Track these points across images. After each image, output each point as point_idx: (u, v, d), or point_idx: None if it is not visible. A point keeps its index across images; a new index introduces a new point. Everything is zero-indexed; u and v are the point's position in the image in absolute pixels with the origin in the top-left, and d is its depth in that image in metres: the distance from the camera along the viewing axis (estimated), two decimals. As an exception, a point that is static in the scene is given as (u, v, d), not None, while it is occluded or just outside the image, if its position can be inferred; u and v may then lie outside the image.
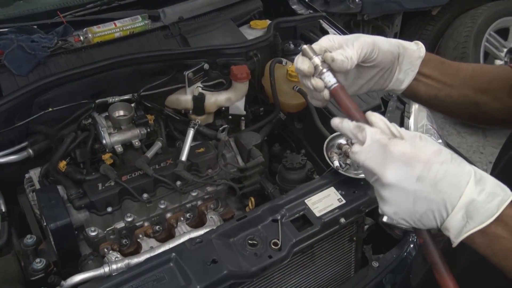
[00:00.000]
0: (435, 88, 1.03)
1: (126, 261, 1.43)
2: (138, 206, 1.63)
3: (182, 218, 1.70)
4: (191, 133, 1.68)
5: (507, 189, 0.73)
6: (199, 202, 1.75)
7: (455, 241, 0.74)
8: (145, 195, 1.60)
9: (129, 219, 1.61)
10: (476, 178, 0.73)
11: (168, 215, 1.70)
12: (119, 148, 1.74)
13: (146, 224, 1.66)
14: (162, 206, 1.65)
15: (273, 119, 2.00)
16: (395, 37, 3.26)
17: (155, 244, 1.62)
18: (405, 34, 3.26)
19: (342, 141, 1.67)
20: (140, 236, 1.63)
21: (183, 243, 1.41)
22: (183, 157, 1.64)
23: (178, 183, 1.65)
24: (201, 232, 1.52)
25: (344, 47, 0.89)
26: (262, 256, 1.42)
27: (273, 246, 1.45)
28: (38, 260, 1.51)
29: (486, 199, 0.71)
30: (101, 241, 1.59)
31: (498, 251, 0.71)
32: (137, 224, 1.65)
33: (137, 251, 1.66)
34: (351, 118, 0.83)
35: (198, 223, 1.78)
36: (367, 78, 0.97)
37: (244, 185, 1.74)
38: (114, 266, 1.41)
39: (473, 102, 1.04)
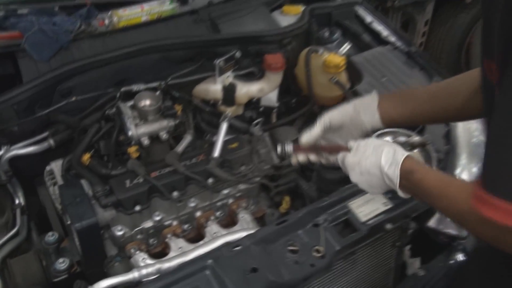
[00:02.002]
0: (405, 113, 1.23)
1: (157, 266, 1.32)
2: (167, 205, 1.52)
3: (212, 217, 1.59)
4: (224, 127, 1.56)
5: (400, 154, 1.07)
6: (230, 201, 1.64)
7: (398, 190, 1.06)
8: (175, 193, 1.49)
9: (158, 218, 1.50)
10: (387, 156, 1.06)
11: (198, 213, 1.59)
12: (145, 141, 1.62)
13: (174, 223, 1.55)
14: (192, 205, 1.54)
15: (307, 112, 1.87)
16: (425, 25, 3.10)
17: (184, 244, 1.51)
18: (435, 22, 3.10)
19: (389, 138, 1.54)
20: (169, 236, 1.53)
21: (220, 248, 1.30)
22: (216, 153, 1.53)
23: (210, 180, 1.54)
24: (235, 235, 1.40)
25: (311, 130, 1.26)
26: (303, 264, 1.30)
27: (315, 254, 1.34)
28: (61, 260, 1.41)
29: (391, 162, 1.05)
30: (128, 241, 1.49)
31: (417, 187, 1.02)
32: (165, 223, 1.54)
33: (164, 251, 1.56)
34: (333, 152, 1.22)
35: (228, 222, 1.67)
36: (346, 132, 1.27)
37: (278, 183, 1.63)
38: (144, 271, 1.30)
39: (443, 112, 1.22)
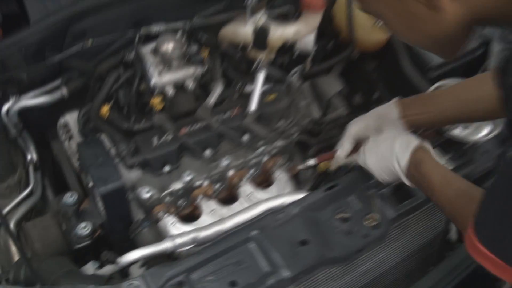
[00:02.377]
0: (430, 118, 1.18)
1: (193, 235, 1.19)
2: (198, 164, 1.36)
3: (246, 177, 1.44)
4: (261, 77, 1.38)
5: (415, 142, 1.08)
6: (265, 158, 1.48)
7: (404, 178, 1.08)
8: (207, 152, 1.33)
9: (188, 179, 1.35)
10: (402, 142, 1.07)
11: (230, 172, 1.44)
12: (170, 90, 1.44)
13: (205, 183, 1.40)
14: (224, 163, 1.39)
15: (345, 59, 1.68)
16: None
17: (216, 206, 1.37)
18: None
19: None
20: (199, 197, 1.38)
21: (263, 217, 1.16)
22: (253, 106, 1.35)
23: (245, 137, 1.37)
24: (277, 201, 1.26)
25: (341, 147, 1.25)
26: (356, 235, 1.17)
27: (368, 222, 1.20)
28: (83, 224, 1.27)
29: (403, 151, 1.06)
30: (155, 204, 1.34)
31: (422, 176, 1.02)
32: (196, 183, 1.39)
33: (194, 213, 1.42)
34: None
35: (261, 180, 1.52)
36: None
37: (319, 140, 1.47)
38: (178, 241, 1.17)
39: (473, 115, 1.17)
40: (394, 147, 1.08)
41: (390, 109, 1.20)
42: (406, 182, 1.08)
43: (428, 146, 1.09)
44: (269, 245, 1.10)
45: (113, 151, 1.29)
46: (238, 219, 1.22)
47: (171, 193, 1.33)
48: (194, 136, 1.31)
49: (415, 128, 1.21)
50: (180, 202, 1.39)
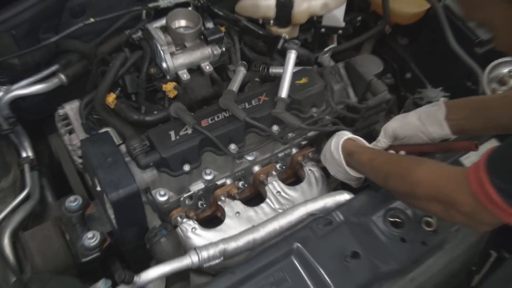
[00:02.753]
0: (477, 125, 1.07)
1: (221, 246, 1.01)
2: (221, 161, 1.18)
3: (274, 173, 1.26)
4: (292, 58, 1.19)
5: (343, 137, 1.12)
6: (294, 150, 1.31)
7: (347, 170, 1.09)
8: (232, 147, 1.15)
9: (209, 177, 1.17)
10: (335, 142, 1.12)
11: (256, 168, 1.26)
12: (184, 75, 1.25)
13: (228, 181, 1.23)
14: (250, 158, 1.21)
15: (377, 34, 1.49)
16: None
17: (241, 208, 1.20)
18: None
19: (506, 70, 1.19)
20: (222, 198, 1.21)
21: (307, 227, 0.98)
22: (283, 93, 1.17)
23: (275, 128, 1.19)
24: (316, 204, 1.08)
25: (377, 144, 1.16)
26: (413, 243, 1.01)
27: (425, 227, 1.03)
28: (90, 234, 1.10)
29: (335, 146, 1.11)
30: (173, 207, 1.17)
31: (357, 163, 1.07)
32: (218, 182, 1.21)
33: (215, 214, 1.25)
34: None
35: (289, 175, 1.35)
36: (412, 142, 1.13)
37: (356, 128, 1.29)
38: (205, 254, 0.99)
39: None
40: (331, 149, 1.11)
41: (437, 109, 1.09)
42: (352, 173, 1.08)
43: (356, 137, 1.11)
44: (314, 261, 0.93)
45: (123, 149, 1.10)
46: (272, 226, 1.05)
47: (190, 196, 1.16)
48: (218, 129, 1.12)
49: (463, 133, 1.11)
50: (200, 203, 1.22)
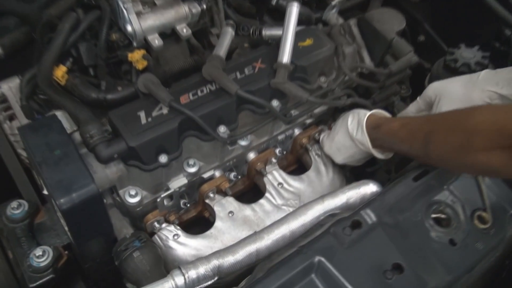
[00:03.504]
0: None
1: (214, 263, 0.76)
2: (208, 148, 0.92)
3: (273, 160, 1.01)
4: (294, 12, 0.92)
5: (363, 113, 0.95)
6: (296, 131, 1.05)
7: (373, 151, 0.92)
8: (222, 129, 0.89)
9: (193, 170, 0.92)
10: (353, 123, 0.94)
11: (251, 155, 1.01)
12: (156, 40, 0.98)
13: (217, 173, 0.97)
14: (244, 143, 0.95)
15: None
16: None
17: (235, 207, 0.95)
18: None
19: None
20: (210, 195, 0.95)
21: (329, 232, 0.73)
22: (285, 58, 0.91)
23: (275, 103, 0.93)
24: (338, 199, 0.84)
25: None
26: (465, 246, 0.77)
27: (478, 223, 0.80)
28: (39, 251, 0.84)
29: (357, 127, 0.94)
30: (147, 210, 0.91)
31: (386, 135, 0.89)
32: (204, 175, 0.95)
33: (201, 214, 1.00)
34: None
35: (290, 162, 1.10)
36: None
37: (374, 100, 1.04)
38: (193, 274, 0.74)
39: None
40: (348, 132, 0.94)
41: (485, 78, 0.90)
42: (377, 155, 0.92)
43: (378, 110, 0.95)
44: (342, 279, 0.69)
45: (77, 137, 0.83)
46: (280, 232, 0.80)
47: (170, 195, 0.89)
48: (202, 106, 0.86)
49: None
50: (182, 202, 0.96)
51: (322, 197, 0.84)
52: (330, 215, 0.81)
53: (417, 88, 1.10)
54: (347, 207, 0.83)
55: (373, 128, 0.91)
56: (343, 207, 0.83)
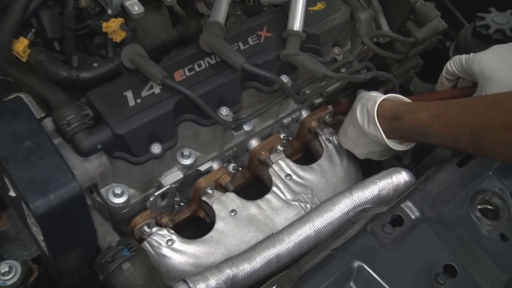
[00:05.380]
0: None
1: (227, 273, 0.68)
2: (206, 134, 0.83)
3: (279, 148, 0.94)
4: (304, -30, 0.84)
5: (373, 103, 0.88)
6: (304, 114, 0.98)
7: (389, 144, 0.86)
8: (224, 111, 0.81)
9: (188, 161, 0.83)
10: (362, 114, 0.88)
11: (253, 142, 0.93)
12: (135, 7, 0.88)
13: (215, 165, 0.89)
14: (247, 128, 0.87)
15: None
16: None
17: (238, 204, 0.87)
18: None
19: None
20: (209, 191, 0.87)
21: (366, 231, 0.67)
22: (296, 25, 0.83)
23: (285, 79, 0.86)
24: (365, 193, 0.78)
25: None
26: (519, 241, 0.72)
27: (531, 214, 0.75)
28: (5, 267, 0.75)
29: (367, 119, 0.87)
30: (134, 211, 0.82)
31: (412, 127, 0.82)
32: (201, 167, 0.87)
33: (196, 215, 0.92)
34: None
35: (296, 150, 1.03)
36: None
37: (393, 73, 0.99)
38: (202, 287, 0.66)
39: None
40: (359, 124, 0.88)
41: None
42: (394, 146, 0.85)
43: (394, 95, 0.88)
44: (387, 287, 0.62)
45: (48, 125, 0.74)
46: (303, 232, 0.73)
47: (163, 195, 0.81)
48: (201, 84, 0.77)
49: None
50: (176, 200, 0.88)
51: (349, 189, 0.77)
52: (361, 210, 0.74)
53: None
54: (379, 200, 0.77)
55: (391, 119, 0.84)
56: (375, 201, 0.76)
